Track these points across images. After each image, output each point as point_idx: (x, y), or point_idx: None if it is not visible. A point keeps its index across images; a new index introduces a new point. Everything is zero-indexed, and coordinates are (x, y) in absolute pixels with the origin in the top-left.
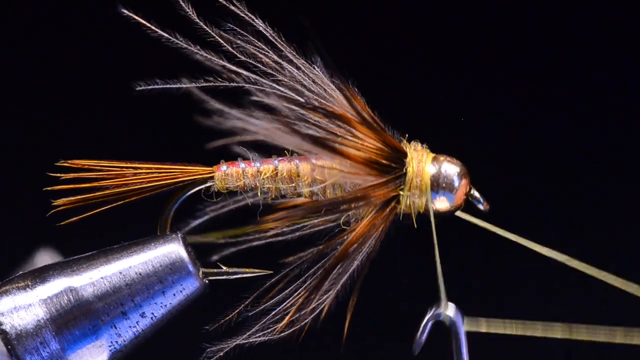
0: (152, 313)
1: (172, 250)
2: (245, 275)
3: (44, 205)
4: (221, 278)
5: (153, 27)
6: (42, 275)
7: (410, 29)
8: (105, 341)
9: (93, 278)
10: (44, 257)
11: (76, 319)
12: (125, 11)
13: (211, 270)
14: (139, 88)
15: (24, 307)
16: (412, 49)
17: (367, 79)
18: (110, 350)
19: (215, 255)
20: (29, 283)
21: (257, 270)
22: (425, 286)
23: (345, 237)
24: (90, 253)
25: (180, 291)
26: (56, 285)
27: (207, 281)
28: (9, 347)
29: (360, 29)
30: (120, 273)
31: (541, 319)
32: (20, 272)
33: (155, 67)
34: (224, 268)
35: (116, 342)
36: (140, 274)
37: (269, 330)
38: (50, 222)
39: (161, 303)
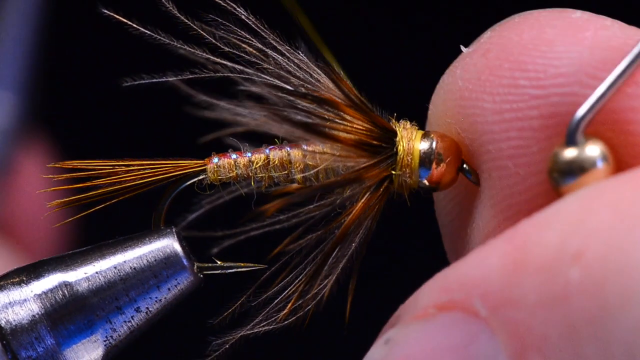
0: (147, 307)
1: (167, 244)
2: (240, 270)
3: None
4: (216, 272)
5: (135, 26)
6: (36, 270)
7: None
8: (100, 336)
9: (88, 273)
10: None
11: (71, 314)
12: (106, 11)
13: (206, 265)
14: (125, 84)
15: (19, 303)
16: (394, 29)
17: (353, 60)
18: (105, 345)
19: (214, 249)
20: (24, 278)
21: (252, 265)
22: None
23: (341, 221)
24: (84, 248)
25: (175, 285)
26: (51, 280)
27: (201, 275)
28: (4, 342)
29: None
30: (115, 268)
31: None
32: (15, 268)
33: (140, 64)
34: (219, 262)
35: (111, 336)
36: (134, 268)
37: (272, 319)
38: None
39: (156, 297)
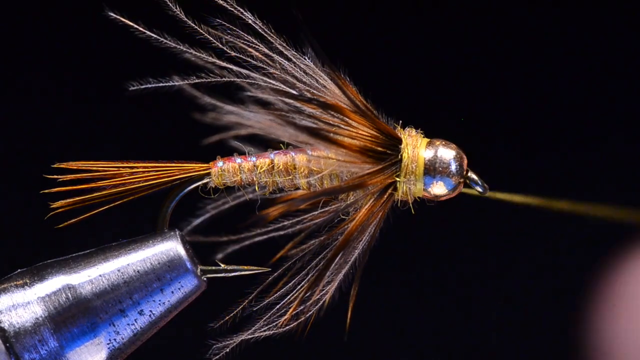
0: (151, 311)
1: (170, 247)
2: (243, 273)
3: (42, 207)
4: (219, 276)
5: (140, 29)
6: (40, 273)
7: (398, 14)
8: (103, 339)
9: (91, 276)
10: None
11: (74, 317)
12: (112, 14)
13: (209, 268)
14: (132, 88)
15: (22, 305)
16: (401, 35)
17: (360, 66)
18: (109, 348)
19: (218, 254)
20: (27, 281)
21: (255, 268)
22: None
23: (345, 227)
24: (88, 251)
25: (179, 289)
26: (54, 283)
27: (205, 279)
28: (8, 345)
29: (349, 16)
30: (119, 271)
31: None
32: (19, 270)
33: (147, 66)
34: (222, 266)
35: (114, 339)
36: (138, 271)
37: (273, 325)
38: (48, 224)
39: (159, 301)
